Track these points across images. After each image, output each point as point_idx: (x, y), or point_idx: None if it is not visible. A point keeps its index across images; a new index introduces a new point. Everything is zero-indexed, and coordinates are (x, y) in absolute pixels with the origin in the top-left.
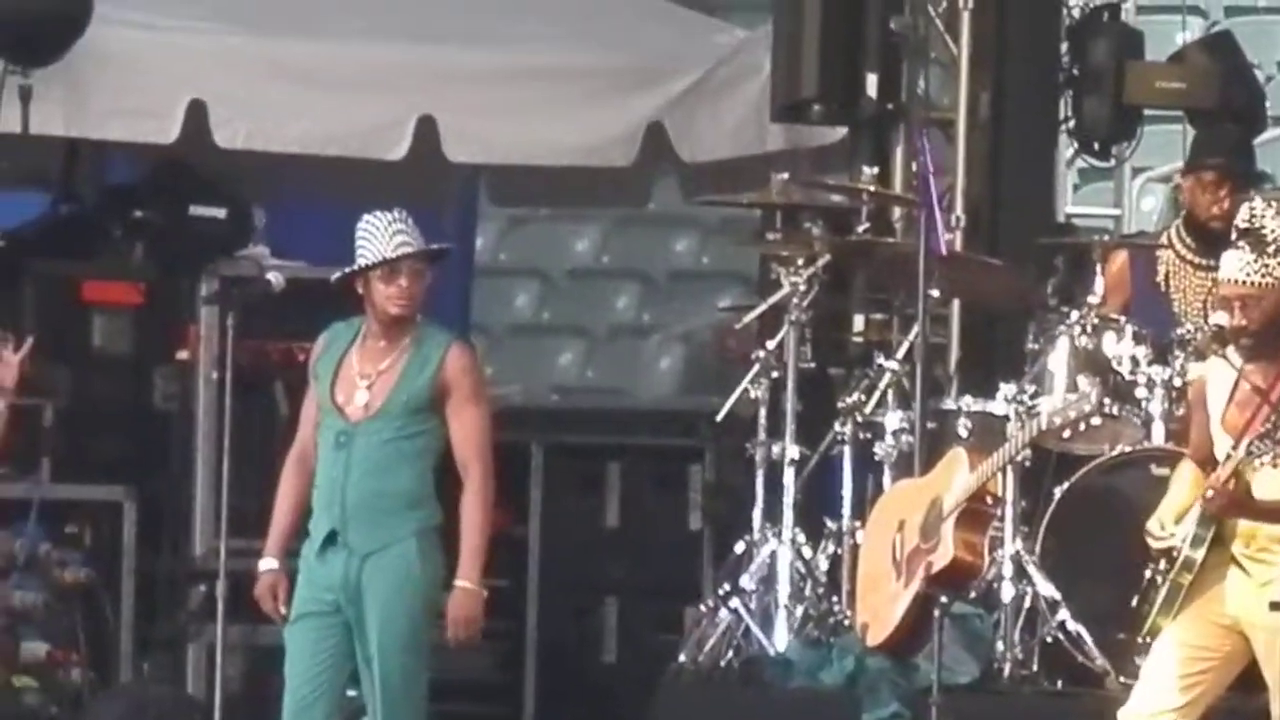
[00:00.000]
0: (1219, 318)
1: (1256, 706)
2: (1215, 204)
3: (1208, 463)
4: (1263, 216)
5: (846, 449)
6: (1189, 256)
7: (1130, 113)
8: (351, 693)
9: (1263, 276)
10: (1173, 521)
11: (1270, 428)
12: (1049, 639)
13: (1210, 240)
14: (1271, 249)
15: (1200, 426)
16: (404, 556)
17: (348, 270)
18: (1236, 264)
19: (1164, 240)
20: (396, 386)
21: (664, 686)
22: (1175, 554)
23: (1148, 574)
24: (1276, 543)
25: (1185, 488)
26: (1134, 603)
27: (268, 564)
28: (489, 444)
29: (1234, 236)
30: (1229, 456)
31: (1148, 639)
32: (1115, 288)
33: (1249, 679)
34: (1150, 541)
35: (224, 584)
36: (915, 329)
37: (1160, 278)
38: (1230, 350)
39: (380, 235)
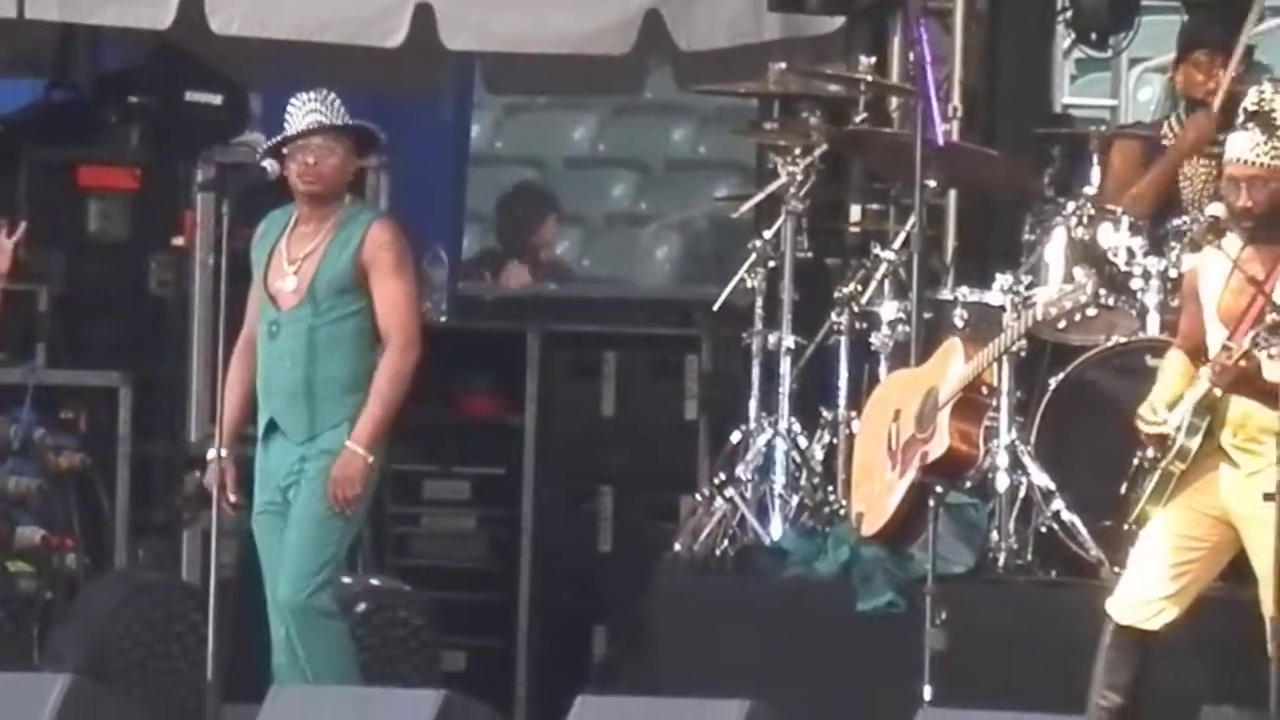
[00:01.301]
0: (1214, 208)
1: (1248, 597)
2: (1210, 80)
3: (1197, 353)
4: (1272, 100)
5: (843, 338)
6: None
7: (1127, 3)
8: (346, 579)
9: (1272, 158)
10: (1165, 408)
11: (1272, 322)
12: (1043, 529)
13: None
14: None
15: (1191, 316)
16: (339, 440)
17: (265, 147)
18: (1246, 144)
19: (1164, 131)
20: (320, 269)
21: (659, 575)
22: (1170, 442)
23: (1136, 461)
24: (1265, 433)
25: (1174, 377)
26: (1123, 490)
27: (214, 453)
28: (413, 318)
29: (1242, 119)
30: (1225, 347)
31: (1135, 526)
32: (1122, 178)
33: (1240, 570)
34: (1142, 427)
35: (217, 470)
36: (912, 219)
37: None
38: (1225, 241)
39: (297, 113)
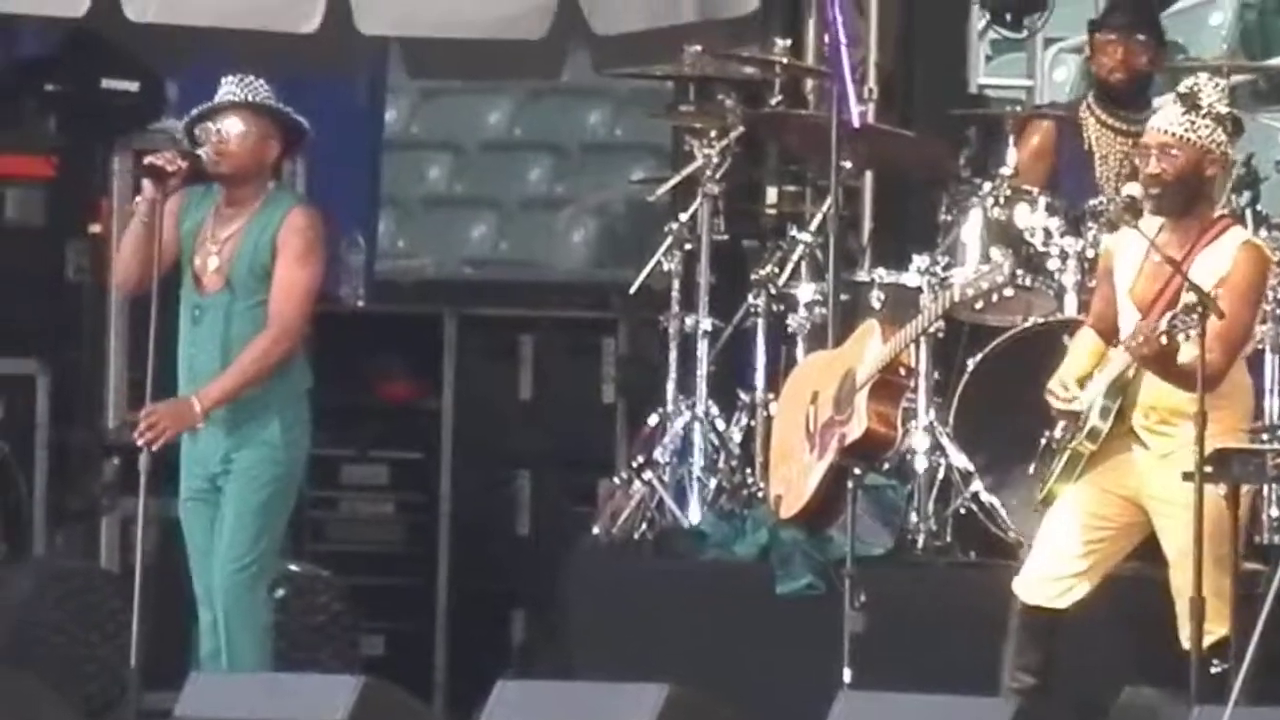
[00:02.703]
0: (1130, 188)
1: (1163, 577)
2: (1113, 59)
3: (1109, 333)
4: (1203, 87)
5: (760, 321)
6: (1108, 121)
7: None
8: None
9: (1187, 131)
10: (1075, 383)
11: (1187, 305)
12: (962, 510)
13: (1122, 97)
14: (1202, 113)
15: (1105, 297)
16: (266, 427)
17: (183, 125)
18: (1165, 116)
19: (1081, 111)
20: (239, 252)
21: (577, 559)
22: (1081, 422)
23: (1043, 441)
24: (1176, 415)
25: (1083, 354)
26: (1030, 470)
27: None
28: (301, 311)
29: (1172, 99)
30: (1141, 330)
31: (1042, 507)
32: (1038, 157)
33: (1156, 550)
34: (1052, 402)
35: (147, 457)
36: (828, 201)
37: (1085, 148)
38: (1142, 222)
39: (216, 94)
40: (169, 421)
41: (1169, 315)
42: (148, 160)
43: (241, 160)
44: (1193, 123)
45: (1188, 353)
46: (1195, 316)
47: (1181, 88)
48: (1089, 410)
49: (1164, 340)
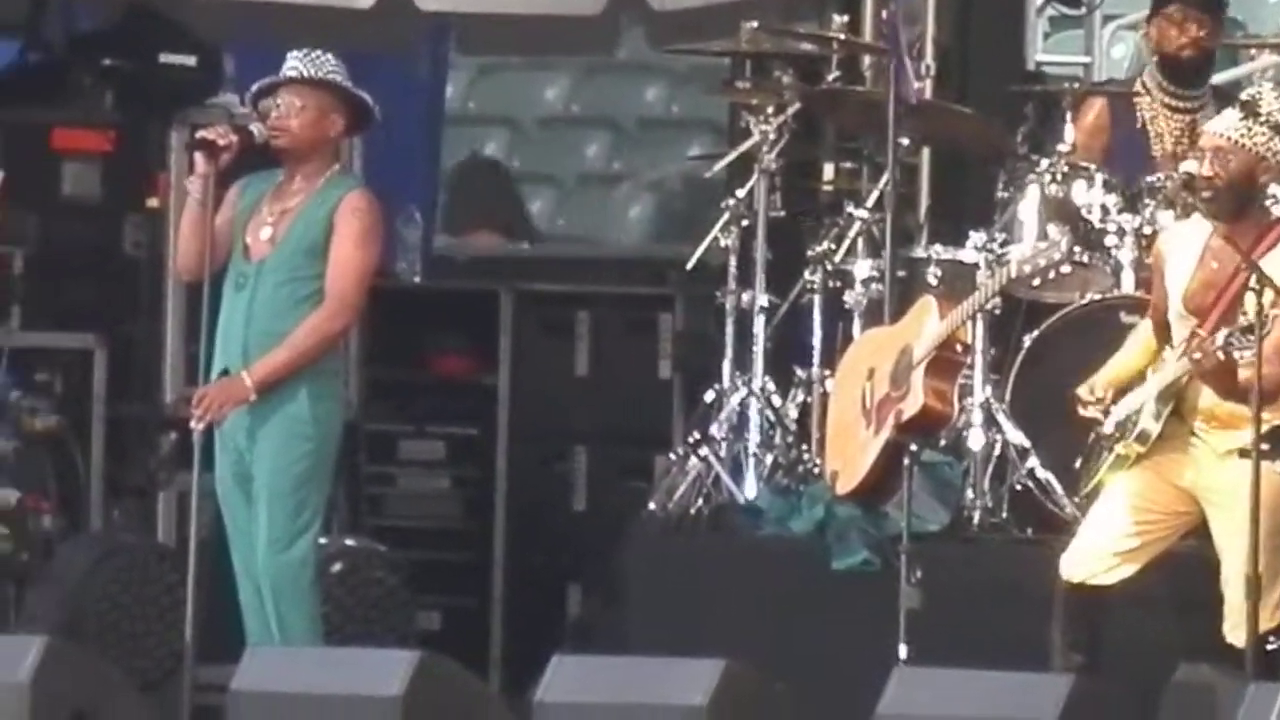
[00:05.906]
0: (1189, 165)
1: (1219, 558)
2: (1183, 35)
3: (1162, 329)
4: (1265, 96)
5: (816, 297)
6: (1165, 99)
7: None
8: (321, 540)
9: (1243, 136)
10: (1103, 385)
11: (1245, 324)
12: (1018, 486)
13: (1186, 74)
14: (1261, 120)
15: (1158, 292)
16: (294, 400)
17: (248, 98)
18: (1224, 120)
19: (1137, 87)
20: (294, 225)
21: (633, 534)
22: (1130, 424)
23: (1091, 437)
24: (1235, 417)
25: (1130, 354)
26: (1077, 464)
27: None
28: (357, 289)
29: (1235, 105)
30: (1196, 334)
31: (1086, 501)
32: (1095, 133)
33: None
34: (1079, 408)
35: (201, 433)
36: (885, 177)
37: (1140, 124)
38: (1195, 222)
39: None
40: (221, 399)
41: (1225, 333)
42: (199, 134)
43: (299, 136)
44: (1250, 129)
45: (1245, 371)
46: (1252, 337)
47: (1244, 94)
48: (1139, 412)
49: (1221, 356)
